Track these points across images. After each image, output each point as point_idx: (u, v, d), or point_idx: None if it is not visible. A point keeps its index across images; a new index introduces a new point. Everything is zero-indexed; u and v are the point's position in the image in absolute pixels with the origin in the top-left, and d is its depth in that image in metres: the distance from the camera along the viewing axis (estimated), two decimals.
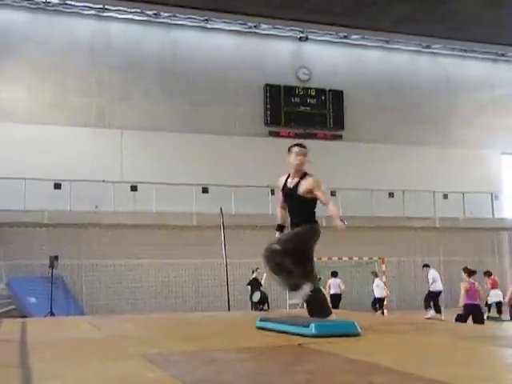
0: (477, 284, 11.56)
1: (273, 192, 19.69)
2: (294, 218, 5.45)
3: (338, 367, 3.16)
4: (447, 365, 3.16)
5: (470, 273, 11.57)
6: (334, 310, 5.60)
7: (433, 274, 16.88)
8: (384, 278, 18.22)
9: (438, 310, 16.24)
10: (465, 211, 22.02)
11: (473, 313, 10.95)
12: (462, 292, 11.22)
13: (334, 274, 17.33)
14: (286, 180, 5.44)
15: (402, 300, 19.52)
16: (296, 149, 5.42)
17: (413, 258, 19.83)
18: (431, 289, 16.59)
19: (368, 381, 2.67)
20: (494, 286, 16.38)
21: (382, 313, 16.87)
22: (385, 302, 17.63)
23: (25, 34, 19.74)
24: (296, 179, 5.36)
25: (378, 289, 17.55)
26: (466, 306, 11.20)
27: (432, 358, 3.46)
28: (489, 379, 2.74)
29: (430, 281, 16.66)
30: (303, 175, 5.39)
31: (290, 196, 5.39)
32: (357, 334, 4.37)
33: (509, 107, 24.69)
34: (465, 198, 21.96)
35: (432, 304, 16.45)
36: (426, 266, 17.23)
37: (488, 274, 16.44)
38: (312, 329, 4.26)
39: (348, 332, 4.36)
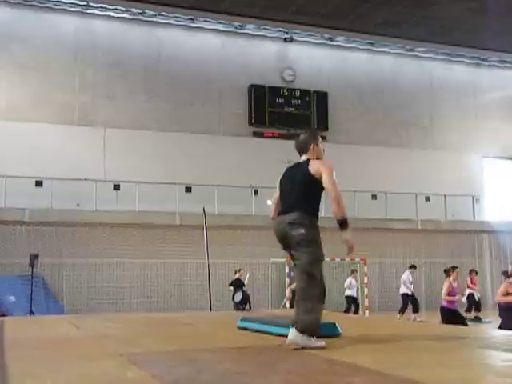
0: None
1: (256, 192, 19.73)
2: None
3: (318, 367, 3.17)
4: (426, 366, 3.19)
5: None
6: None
7: (403, 276, 16.90)
8: (366, 279, 18.28)
9: (402, 311, 16.24)
10: (446, 214, 22.20)
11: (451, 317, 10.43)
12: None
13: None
14: None
15: (383, 301, 19.61)
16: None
17: (395, 260, 19.96)
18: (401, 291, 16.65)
19: (347, 381, 2.68)
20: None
21: (356, 313, 16.79)
22: (366, 303, 17.66)
23: (7, 30, 19.51)
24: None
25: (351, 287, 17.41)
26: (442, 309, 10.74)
27: (411, 360, 3.48)
28: (468, 380, 2.76)
29: (401, 283, 16.73)
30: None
31: None
32: (337, 335, 4.39)
33: (491, 111, 24.94)
34: (446, 201, 22.14)
35: (406, 306, 16.44)
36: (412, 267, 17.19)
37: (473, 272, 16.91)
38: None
39: (329, 333, 4.38)
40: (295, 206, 4.43)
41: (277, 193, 4.76)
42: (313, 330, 4.00)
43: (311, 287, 4.25)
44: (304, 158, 4.70)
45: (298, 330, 3.98)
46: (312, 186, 4.47)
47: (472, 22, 21.42)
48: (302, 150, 4.79)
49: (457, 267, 11.16)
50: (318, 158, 4.67)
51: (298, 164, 4.69)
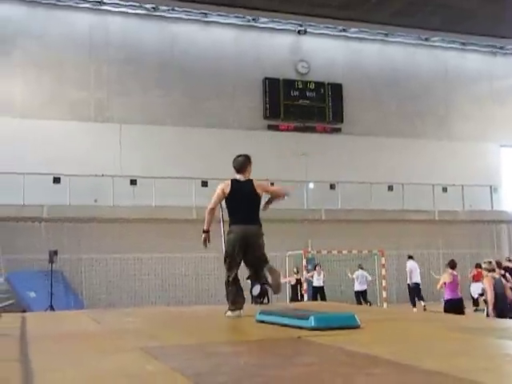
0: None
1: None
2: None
3: (337, 359, 3.16)
4: (445, 356, 3.17)
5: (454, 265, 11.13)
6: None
7: (409, 265, 16.84)
8: (383, 270, 18.24)
9: (413, 303, 16.17)
10: (464, 204, 22.03)
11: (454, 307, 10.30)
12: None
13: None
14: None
15: (401, 293, 19.54)
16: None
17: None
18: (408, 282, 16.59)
19: (366, 373, 2.68)
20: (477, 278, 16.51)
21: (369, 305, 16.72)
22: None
23: (22, 28, 19.67)
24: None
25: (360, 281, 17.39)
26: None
27: (430, 350, 3.46)
28: (486, 370, 2.75)
29: (408, 273, 16.66)
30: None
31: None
32: (356, 327, 4.38)
33: (507, 100, 24.67)
34: (464, 191, 21.98)
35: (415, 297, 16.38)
36: (410, 257, 17.20)
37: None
38: (311, 321, 4.27)
39: (347, 324, 4.37)
40: (256, 220, 5.76)
41: (217, 197, 5.90)
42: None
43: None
44: (241, 176, 5.92)
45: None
46: (259, 203, 5.81)
47: (488, 10, 21.19)
48: (240, 169, 5.98)
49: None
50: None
51: (246, 182, 5.86)
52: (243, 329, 4.71)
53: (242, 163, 6.04)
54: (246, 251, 5.71)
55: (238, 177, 5.90)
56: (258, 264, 5.76)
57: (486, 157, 23.86)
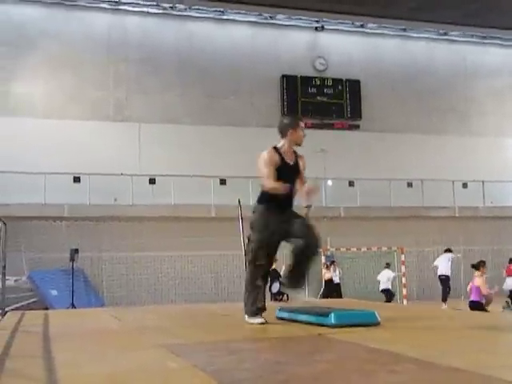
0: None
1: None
2: (289, 199, 4.88)
3: (359, 356, 3.15)
4: (467, 353, 3.15)
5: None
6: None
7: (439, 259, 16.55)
8: (403, 268, 18.12)
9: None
10: (485, 200, 21.79)
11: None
12: None
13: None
14: (281, 156, 4.86)
15: (421, 290, 19.41)
16: (302, 124, 5.03)
17: (432, 248, 19.67)
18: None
19: (389, 369, 2.67)
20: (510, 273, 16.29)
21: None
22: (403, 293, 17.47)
23: (41, 29, 19.86)
24: (293, 156, 4.95)
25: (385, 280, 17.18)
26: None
27: (452, 347, 3.44)
28: (508, 367, 2.72)
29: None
30: (295, 152, 5.00)
31: (291, 174, 4.83)
32: (377, 324, 4.36)
33: None
34: (484, 187, 21.74)
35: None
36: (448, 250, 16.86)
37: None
38: (332, 318, 4.27)
39: (368, 321, 4.36)
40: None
41: None
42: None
43: None
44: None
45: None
46: None
47: (508, 3, 20.90)
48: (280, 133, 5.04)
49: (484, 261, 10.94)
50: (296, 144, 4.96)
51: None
52: (263, 326, 4.71)
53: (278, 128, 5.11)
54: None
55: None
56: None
57: (506, 152, 23.58)
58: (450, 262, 16.23)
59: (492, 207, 21.53)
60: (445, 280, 16.09)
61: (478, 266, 10.54)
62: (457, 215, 21.08)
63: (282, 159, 4.83)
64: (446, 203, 21.05)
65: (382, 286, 17.12)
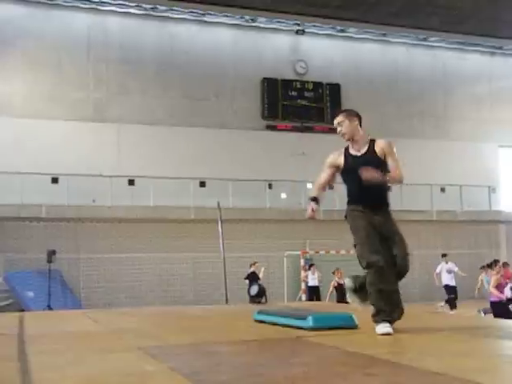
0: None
1: (270, 186, 19.74)
2: (373, 197, 4.55)
3: (336, 359, 3.17)
4: (445, 356, 3.17)
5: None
6: None
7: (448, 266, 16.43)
8: None
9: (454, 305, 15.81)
10: (462, 204, 22.05)
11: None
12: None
13: None
14: (346, 154, 4.65)
15: (404, 293, 19.52)
16: (335, 120, 4.87)
17: (410, 251, 19.80)
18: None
19: (365, 373, 2.68)
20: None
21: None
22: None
23: (21, 27, 19.64)
24: (364, 147, 4.65)
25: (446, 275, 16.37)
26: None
27: (429, 350, 3.47)
28: (486, 370, 2.75)
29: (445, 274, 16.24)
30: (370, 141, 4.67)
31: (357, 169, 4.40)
32: (354, 327, 4.38)
33: (506, 100, 24.68)
34: (462, 191, 22.00)
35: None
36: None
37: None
38: (310, 321, 4.28)
39: (346, 324, 4.38)
40: None
41: None
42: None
43: None
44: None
45: None
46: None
47: (486, 10, 21.21)
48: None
49: (499, 260, 10.79)
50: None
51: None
52: (241, 329, 4.71)
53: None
54: None
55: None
56: None
57: (484, 157, 23.87)
58: (451, 274, 16.20)
59: (469, 211, 21.79)
60: (449, 289, 16.07)
61: (491, 265, 10.41)
62: (435, 219, 21.29)
63: (349, 155, 4.80)
64: (423, 207, 21.25)
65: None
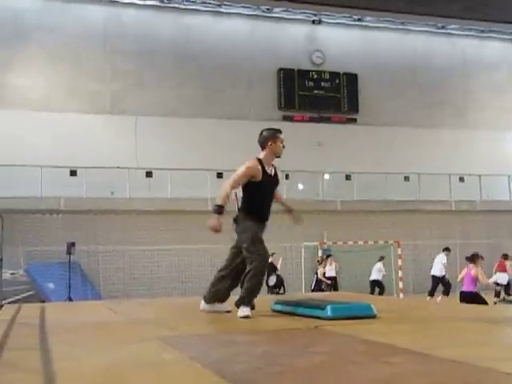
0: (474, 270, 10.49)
1: (287, 177, 19.70)
2: (269, 210, 5.33)
3: (354, 348, 3.16)
4: (462, 346, 3.16)
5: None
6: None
7: (438, 258, 16.48)
8: (400, 261, 18.16)
9: (432, 293, 15.94)
10: (481, 194, 21.83)
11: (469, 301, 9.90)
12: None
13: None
14: (263, 168, 5.02)
15: (417, 284, 19.44)
16: (282, 136, 5.26)
17: (429, 242, 19.70)
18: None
19: (384, 361, 2.67)
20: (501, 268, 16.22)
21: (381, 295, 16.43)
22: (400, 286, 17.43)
23: (38, 21, 19.76)
24: (272, 168, 5.15)
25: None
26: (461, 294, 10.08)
27: (447, 340, 3.45)
28: (504, 359, 2.73)
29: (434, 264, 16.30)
30: (273, 164, 5.20)
31: (272, 185, 5.17)
32: (373, 316, 4.37)
33: None
34: (481, 181, 21.77)
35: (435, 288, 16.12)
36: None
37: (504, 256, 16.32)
38: (328, 311, 4.27)
39: (364, 314, 4.37)
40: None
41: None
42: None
43: None
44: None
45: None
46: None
47: None
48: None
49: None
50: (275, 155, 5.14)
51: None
52: (259, 319, 4.72)
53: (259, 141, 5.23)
54: None
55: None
56: None
57: (504, 146, 23.59)
58: (442, 264, 16.14)
59: (489, 201, 21.57)
60: (434, 279, 16.07)
61: (473, 258, 10.26)
62: (453, 209, 21.11)
63: (264, 171, 5.00)
64: (442, 197, 21.08)
65: (371, 277, 17.03)
